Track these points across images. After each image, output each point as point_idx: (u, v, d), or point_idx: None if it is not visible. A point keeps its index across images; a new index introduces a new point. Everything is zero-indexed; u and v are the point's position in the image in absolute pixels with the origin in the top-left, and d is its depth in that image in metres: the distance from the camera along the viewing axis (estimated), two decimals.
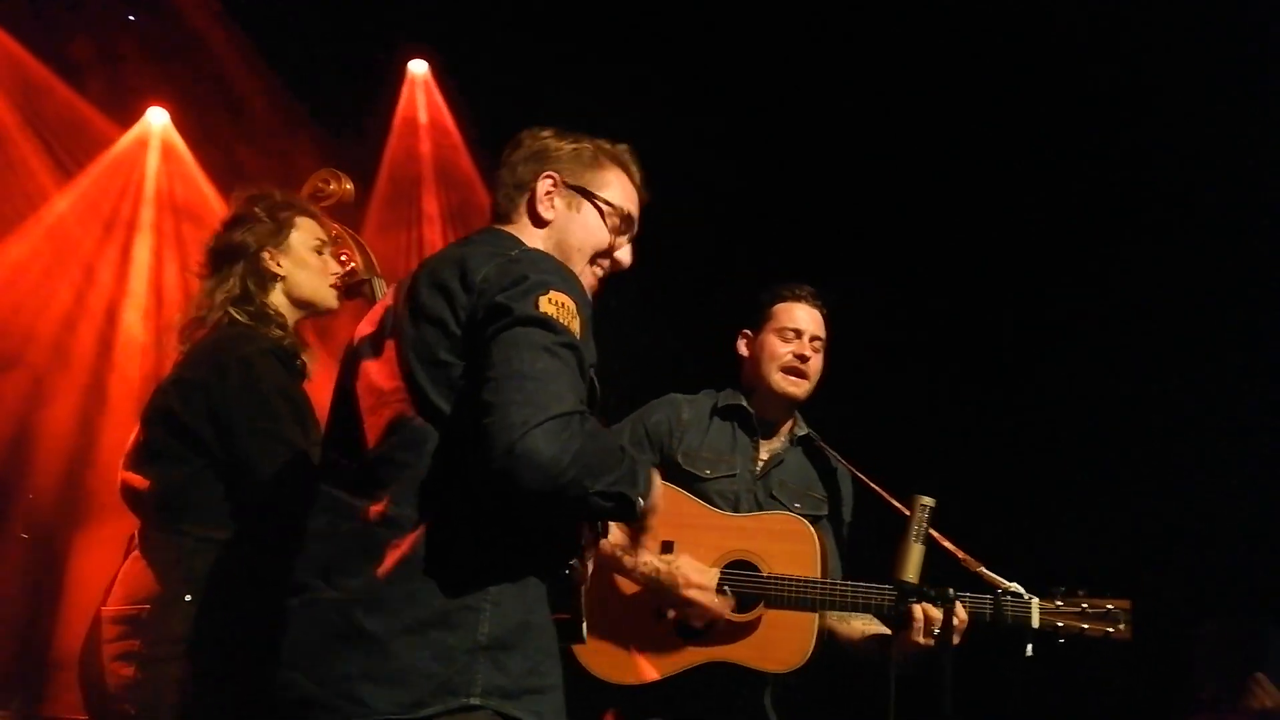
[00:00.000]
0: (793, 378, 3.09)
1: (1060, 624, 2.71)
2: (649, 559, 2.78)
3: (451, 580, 1.80)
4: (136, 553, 2.46)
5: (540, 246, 2.07)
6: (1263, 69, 4.40)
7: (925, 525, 2.55)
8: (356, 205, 3.42)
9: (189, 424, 2.43)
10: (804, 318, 3.14)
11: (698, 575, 2.81)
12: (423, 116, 5.77)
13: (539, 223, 2.12)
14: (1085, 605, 2.72)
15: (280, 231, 2.66)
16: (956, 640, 2.61)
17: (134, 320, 5.22)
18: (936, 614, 2.61)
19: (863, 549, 3.08)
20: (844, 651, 2.96)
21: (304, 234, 2.70)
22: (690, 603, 2.80)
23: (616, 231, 2.17)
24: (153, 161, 5.46)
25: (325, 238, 2.75)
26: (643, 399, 3.23)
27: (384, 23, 5.28)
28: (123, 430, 4.93)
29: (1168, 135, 4.54)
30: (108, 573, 2.53)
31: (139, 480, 2.49)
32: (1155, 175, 4.63)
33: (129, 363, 5.14)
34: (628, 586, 2.88)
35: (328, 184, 2.95)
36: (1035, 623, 2.70)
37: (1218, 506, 4.34)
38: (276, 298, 2.64)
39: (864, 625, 2.95)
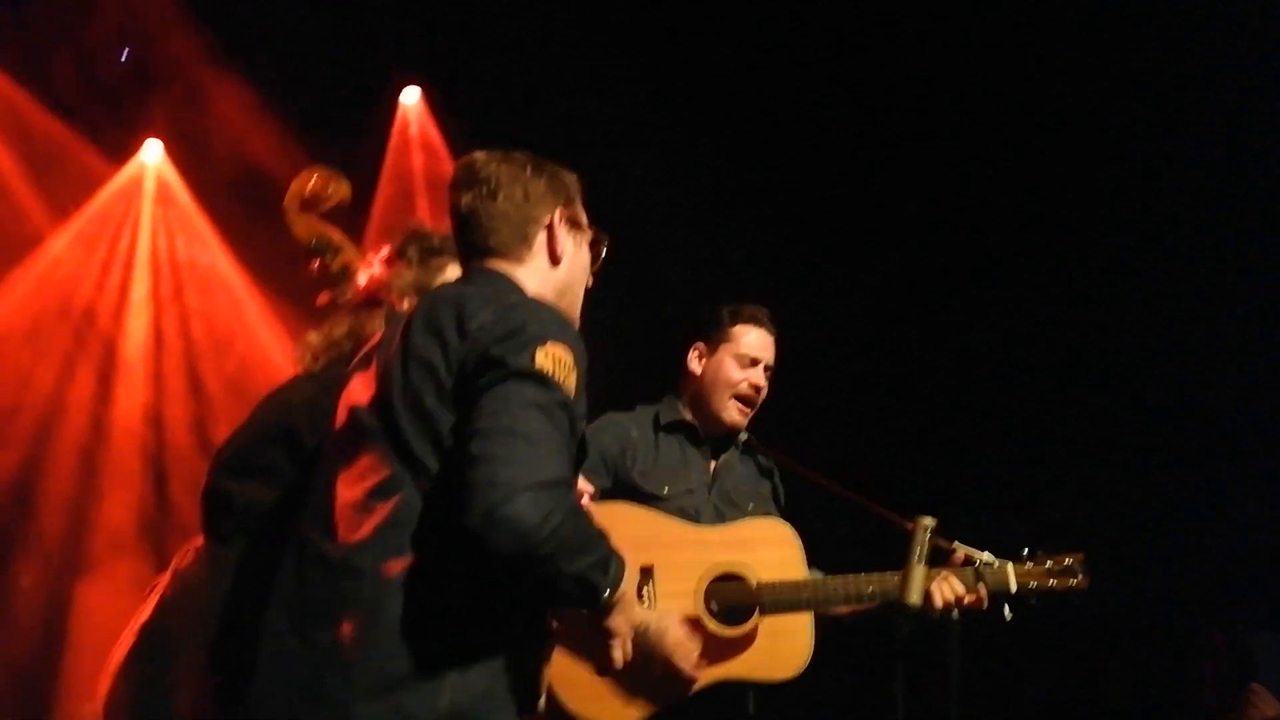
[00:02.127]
0: (744, 407, 3.10)
1: (1033, 583, 2.89)
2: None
3: (418, 643, 1.74)
4: (190, 564, 2.41)
5: (549, 285, 2.07)
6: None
7: (928, 547, 2.58)
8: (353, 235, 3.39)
9: (312, 450, 2.28)
10: (762, 345, 3.13)
11: (685, 634, 2.57)
12: (416, 143, 5.78)
13: (556, 260, 2.09)
14: (1049, 563, 2.91)
15: (423, 281, 2.52)
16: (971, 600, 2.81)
17: (134, 360, 5.20)
18: (961, 588, 2.79)
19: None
20: (843, 620, 2.97)
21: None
22: (670, 660, 2.59)
23: (598, 254, 2.21)
24: (148, 195, 5.44)
25: None
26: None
27: (377, 51, 5.29)
28: (124, 468, 5.00)
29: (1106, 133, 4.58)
30: (113, 616, 2.51)
31: (236, 488, 2.37)
32: (1102, 162, 4.65)
33: (130, 401, 5.13)
34: None
35: (325, 185, 2.78)
36: (1013, 586, 2.87)
37: (1215, 515, 4.33)
38: None
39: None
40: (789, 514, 3.13)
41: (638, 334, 4.32)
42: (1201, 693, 3.84)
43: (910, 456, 4.68)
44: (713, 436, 3.14)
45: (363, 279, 2.62)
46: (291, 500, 2.26)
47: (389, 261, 2.60)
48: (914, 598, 2.58)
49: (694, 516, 2.99)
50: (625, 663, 2.27)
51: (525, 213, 2.07)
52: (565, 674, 2.70)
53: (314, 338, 2.56)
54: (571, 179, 2.18)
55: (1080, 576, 2.88)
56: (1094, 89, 4.65)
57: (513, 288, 2.01)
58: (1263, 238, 4.36)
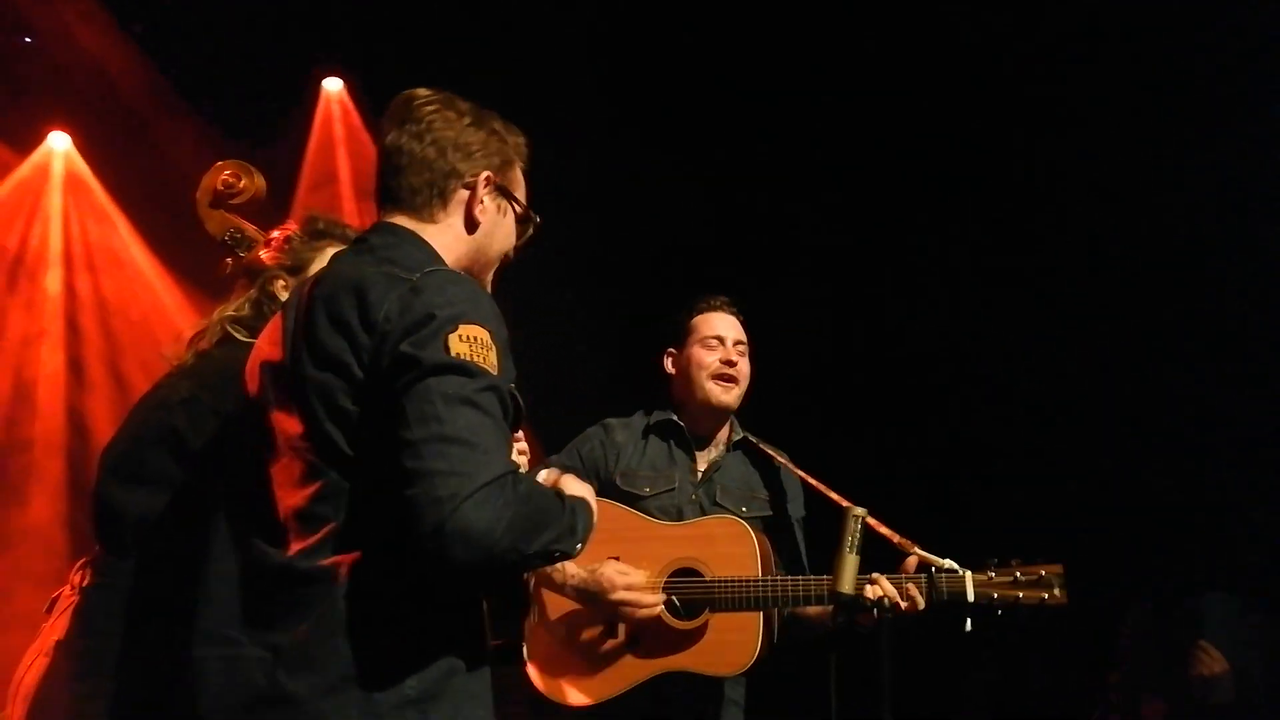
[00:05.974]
0: (724, 383, 3.11)
1: (995, 594, 2.75)
2: (575, 570, 2.80)
3: (376, 634, 1.71)
4: (93, 578, 2.31)
5: (460, 250, 1.94)
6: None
7: (859, 536, 2.56)
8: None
9: (197, 449, 2.25)
10: (724, 324, 3.17)
11: (622, 577, 2.81)
12: (339, 133, 5.67)
13: (472, 226, 1.94)
14: (1019, 574, 2.76)
15: (301, 258, 2.44)
16: (911, 605, 2.71)
17: (49, 357, 5.03)
18: (891, 589, 2.70)
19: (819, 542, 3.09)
20: (813, 629, 2.98)
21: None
22: (622, 604, 2.80)
23: (524, 232, 2.05)
24: (56, 188, 5.27)
25: None
26: (576, 422, 3.24)
27: (295, 40, 5.17)
28: (45, 476, 4.81)
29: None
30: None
31: (126, 498, 2.28)
32: (1057, 167, 4.69)
33: (47, 402, 4.95)
34: (576, 605, 2.88)
35: (238, 179, 2.67)
36: (970, 595, 2.75)
37: (1143, 484, 4.40)
38: None
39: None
40: (807, 520, 3.12)
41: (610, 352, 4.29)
42: (1129, 666, 3.88)
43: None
44: (703, 435, 3.16)
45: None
46: (187, 505, 2.18)
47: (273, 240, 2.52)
48: (844, 586, 2.57)
49: (675, 515, 3.02)
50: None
51: (449, 164, 1.91)
52: (531, 652, 2.84)
53: (184, 330, 2.46)
54: (515, 142, 2.01)
55: (1056, 590, 2.74)
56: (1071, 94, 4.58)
57: (419, 252, 1.87)
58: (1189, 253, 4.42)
